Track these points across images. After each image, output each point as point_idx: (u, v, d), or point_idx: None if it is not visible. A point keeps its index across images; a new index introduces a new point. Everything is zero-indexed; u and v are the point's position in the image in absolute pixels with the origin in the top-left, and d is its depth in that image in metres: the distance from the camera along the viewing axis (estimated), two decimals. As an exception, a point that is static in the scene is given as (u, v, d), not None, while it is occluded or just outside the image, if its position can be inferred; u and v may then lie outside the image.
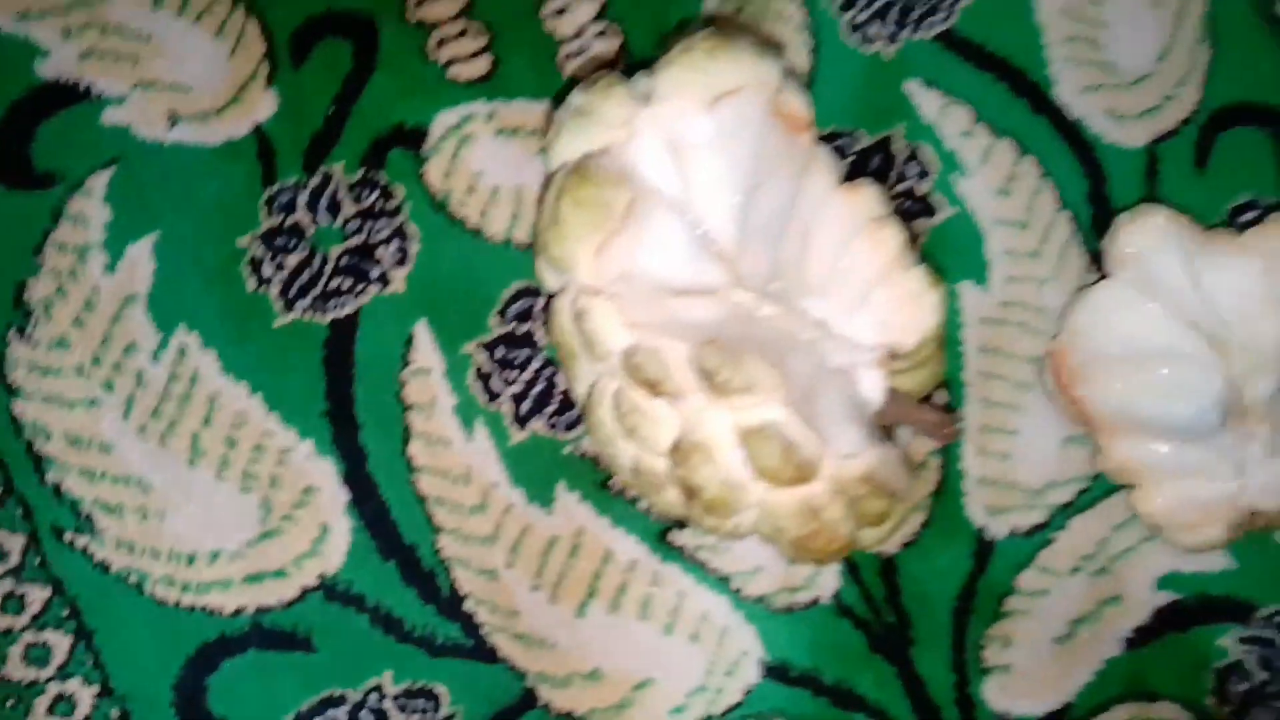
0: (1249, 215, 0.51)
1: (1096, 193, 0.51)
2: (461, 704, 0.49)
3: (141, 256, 0.48)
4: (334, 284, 0.49)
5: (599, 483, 0.49)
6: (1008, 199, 0.51)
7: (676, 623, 0.49)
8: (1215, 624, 0.51)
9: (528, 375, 0.49)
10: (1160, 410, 0.46)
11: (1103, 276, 0.49)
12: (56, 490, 0.48)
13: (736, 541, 0.48)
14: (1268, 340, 0.46)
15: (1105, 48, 0.52)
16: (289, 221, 0.49)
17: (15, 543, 0.48)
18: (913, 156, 0.51)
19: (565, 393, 0.49)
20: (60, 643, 0.48)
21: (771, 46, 0.48)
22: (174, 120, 0.49)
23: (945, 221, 0.51)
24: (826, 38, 0.51)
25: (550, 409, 0.49)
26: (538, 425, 0.49)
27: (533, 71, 0.50)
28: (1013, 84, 0.51)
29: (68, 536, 0.48)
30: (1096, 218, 0.51)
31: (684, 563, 0.49)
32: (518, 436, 0.49)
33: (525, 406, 0.49)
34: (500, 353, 0.49)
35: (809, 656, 0.50)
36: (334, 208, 0.49)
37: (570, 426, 0.49)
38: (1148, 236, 0.47)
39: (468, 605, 0.49)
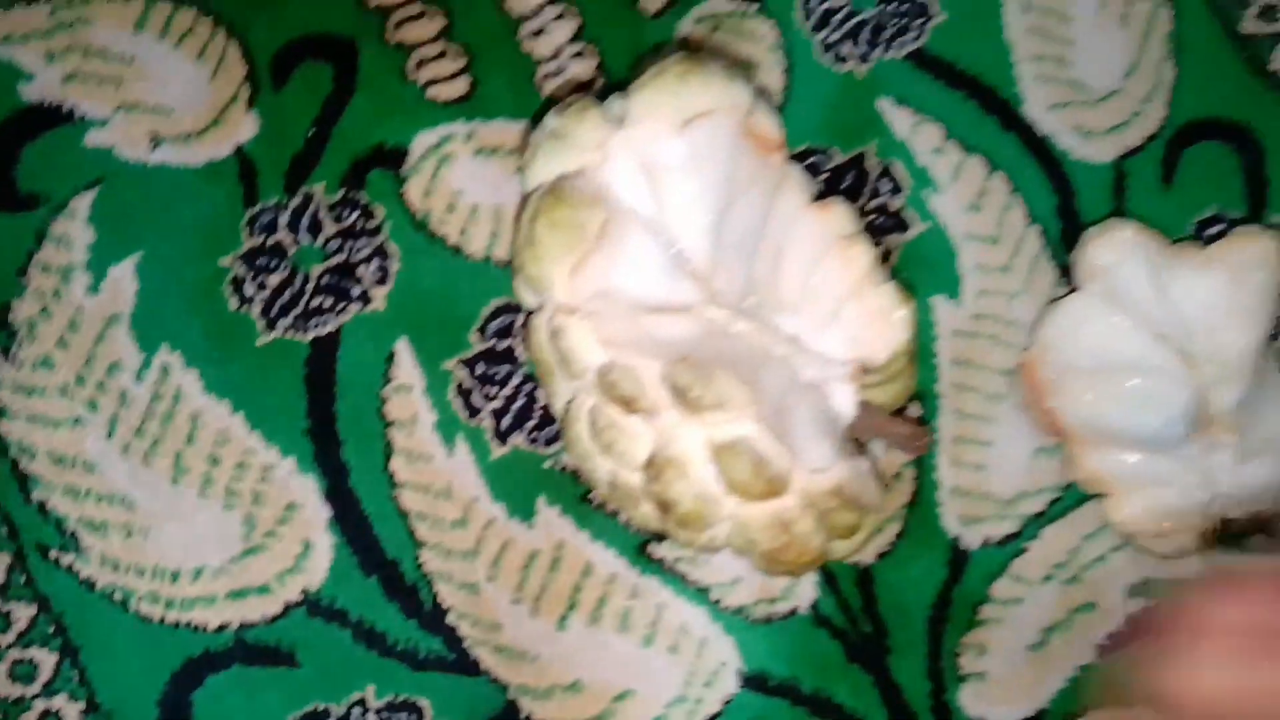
0: (1216, 229, 0.52)
1: (1065, 207, 0.52)
2: (444, 717, 0.49)
3: (124, 277, 0.49)
4: (315, 303, 0.49)
5: (579, 497, 0.49)
6: (979, 214, 0.52)
7: (656, 634, 0.49)
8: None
9: (508, 391, 0.50)
10: (1130, 421, 0.47)
11: (1072, 290, 0.49)
12: (42, 509, 0.48)
13: (713, 554, 0.48)
14: (1234, 351, 0.47)
15: (1073, 65, 0.53)
16: (270, 241, 0.49)
17: (1, 561, 0.48)
18: (885, 173, 0.52)
19: (545, 408, 0.50)
20: (46, 660, 0.48)
21: (743, 69, 0.49)
22: (156, 142, 0.49)
23: (918, 237, 0.52)
24: (800, 57, 0.52)
25: (530, 424, 0.50)
26: (518, 440, 0.50)
27: (511, 92, 0.51)
28: (982, 102, 0.52)
29: (53, 554, 0.48)
30: (1066, 232, 0.52)
31: (663, 575, 0.49)
32: (498, 451, 0.50)
33: (506, 422, 0.50)
34: (481, 369, 0.50)
35: (787, 666, 0.50)
36: (315, 227, 0.49)
37: (550, 441, 0.50)
38: (1115, 250, 0.48)
39: (450, 619, 0.49)
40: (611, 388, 0.40)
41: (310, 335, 0.49)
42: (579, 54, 0.51)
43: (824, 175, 0.51)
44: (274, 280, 0.49)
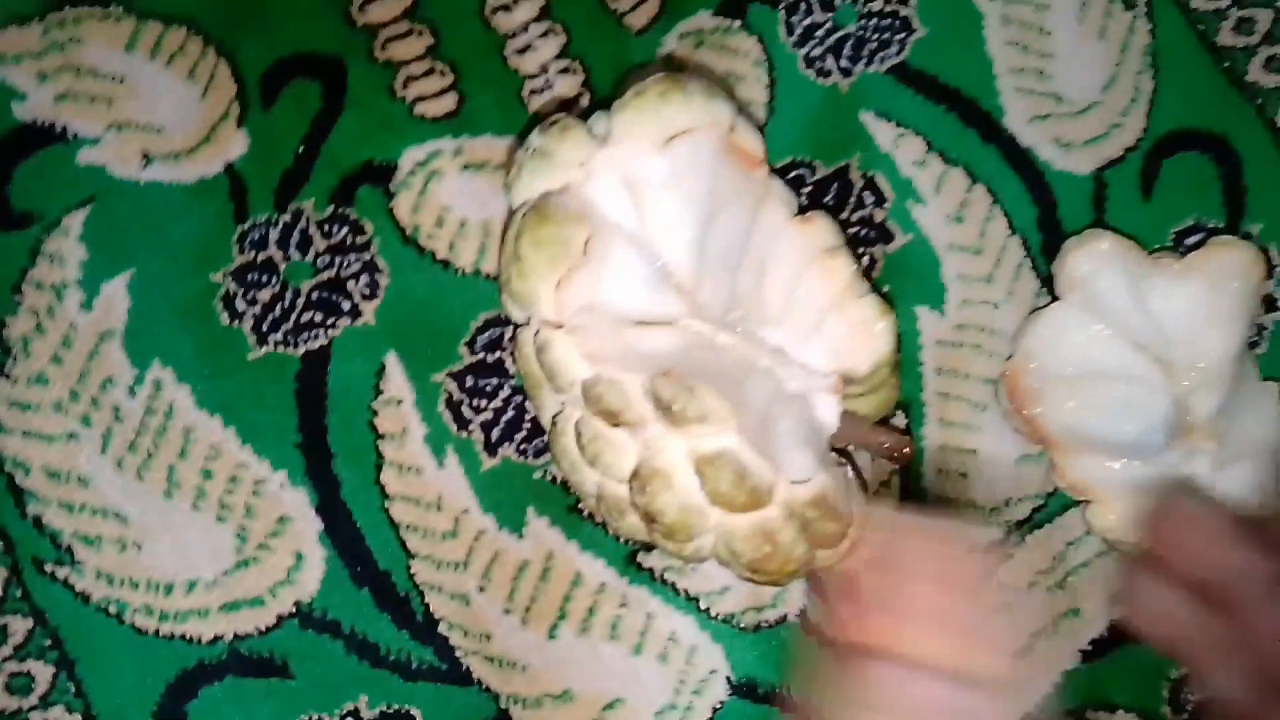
0: (1195, 238, 0.52)
1: (1047, 218, 0.53)
2: (436, 726, 0.49)
3: (117, 294, 0.49)
4: (306, 317, 0.50)
5: (568, 508, 0.50)
6: (961, 225, 0.52)
7: (645, 643, 0.50)
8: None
9: (497, 403, 0.50)
10: (1111, 428, 0.47)
11: (1054, 299, 0.50)
12: (37, 523, 0.48)
13: (700, 564, 0.49)
14: (1212, 359, 0.47)
15: (1053, 78, 0.53)
16: (261, 257, 0.50)
17: None
18: (869, 185, 0.52)
19: (534, 420, 0.50)
20: (43, 672, 0.48)
21: (724, 87, 0.50)
22: (148, 160, 0.49)
23: (902, 248, 0.52)
24: (784, 72, 0.52)
25: (520, 436, 0.50)
26: (508, 451, 0.50)
27: (498, 108, 0.51)
28: (964, 114, 0.53)
29: (48, 568, 0.48)
30: (1047, 242, 0.52)
31: (652, 584, 0.50)
32: (488, 463, 0.50)
33: (495, 433, 0.50)
34: (470, 381, 0.50)
35: (776, 673, 0.50)
36: (305, 243, 0.50)
37: (539, 453, 0.50)
38: (1094, 261, 0.48)
39: (441, 629, 0.49)
40: (597, 401, 0.41)
41: (301, 350, 0.50)
42: (565, 70, 0.51)
43: (808, 188, 0.52)
44: (265, 296, 0.49)
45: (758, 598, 0.50)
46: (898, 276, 0.52)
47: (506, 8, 0.51)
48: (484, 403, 0.50)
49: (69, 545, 0.48)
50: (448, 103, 0.51)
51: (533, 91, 0.51)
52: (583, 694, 0.49)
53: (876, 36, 0.53)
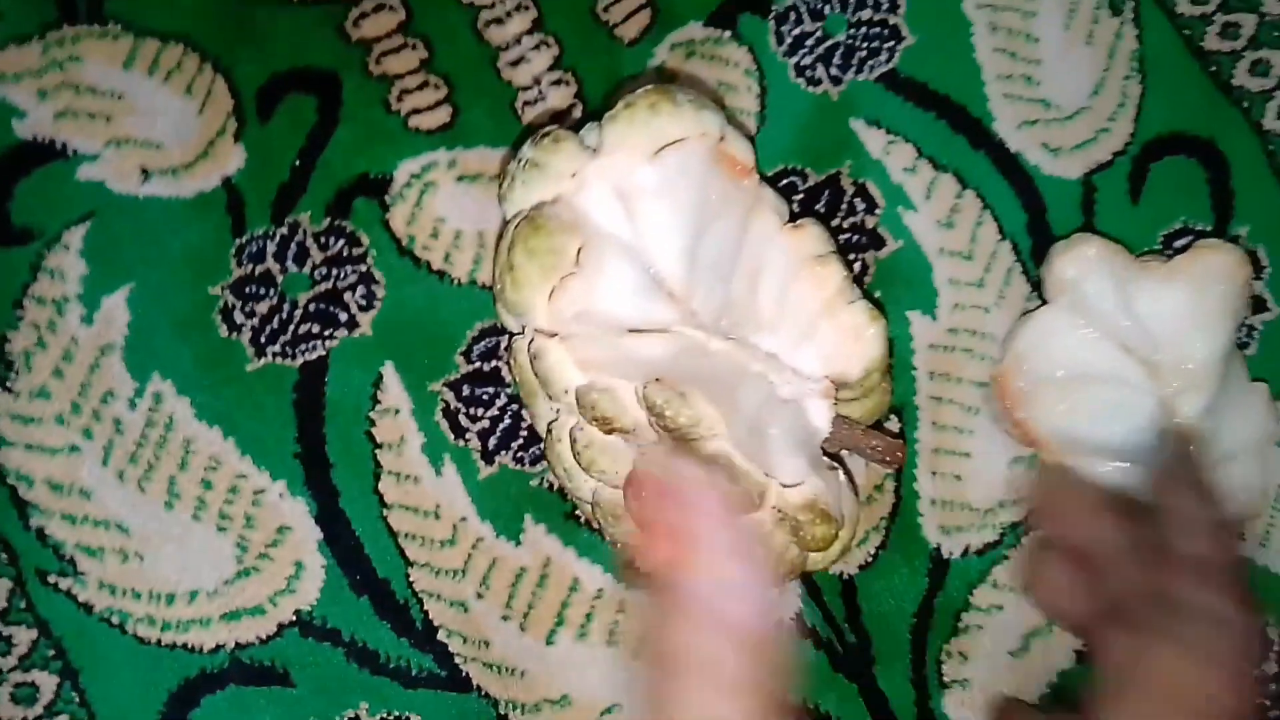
0: (1183, 240, 0.53)
1: (1036, 223, 0.53)
2: (436, 733, 0.50)
3: (117, 308, 0.49)
4: (303, 329, 0.50)
5: (565, 514, 0.50)
6: (951, 231, 0.53)
7: (643, 648, 0.50)
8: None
9: (493, 411, 0.51)
10: (1099, 430, 0.48)
11: (1044, 303, 0.50)
12: (40, 535, 0.48)
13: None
14: (1198, 361, 0.47)
15: (1041, 84, 0.54)
16: (259, 270, 0.50)
17: (1, 587, 0.48)
18: (860, 192, 0.53)
19: (530, 427, 0.50)
20: (47, 682, 0.48)
21: (715, 97, 0.50)
22: (146, 175, 0.50)
23: (893, 253, 0.52)
24: (774, 81, 0.53)
25: (516, 444, 0.50)
26: (505, 459, 0.50)
27: (491, 120, 0.51)
28: (953, 121, 0.53)
29: (51, 579, 0.48)
30: (1037, 247, 0.53)
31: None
32: (486, 471, 0.50)
33: (492, 442, 0.50)
34: (466, 390, 0.50)
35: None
36: (302, 256, 0.50)
37: (536, 460, 0.50)
38: (1080, 264, 0.48)
39: (440, 636, 0.50)
40: (591, 408, 0.41)
41: (299, 361, 0.50)
42: (557, 82, 0.52)
43: (800, 195, 0.52)
44: (263, 308, 0.50)
45: (754, 602, 0.51)
46: (889, 282, 0.52)
47: (499, 21, 0.52)
48: (480, 411, 0.50)
49: (72, 556, 0.49)
50: (442, 115, 0.51)
51: (526, 103, 0.52)
52: (581, 699, 0.50)
53: (866, 45, 0.53)
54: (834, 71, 0.53)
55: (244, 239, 0.50)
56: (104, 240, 0.49)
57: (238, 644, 0.49)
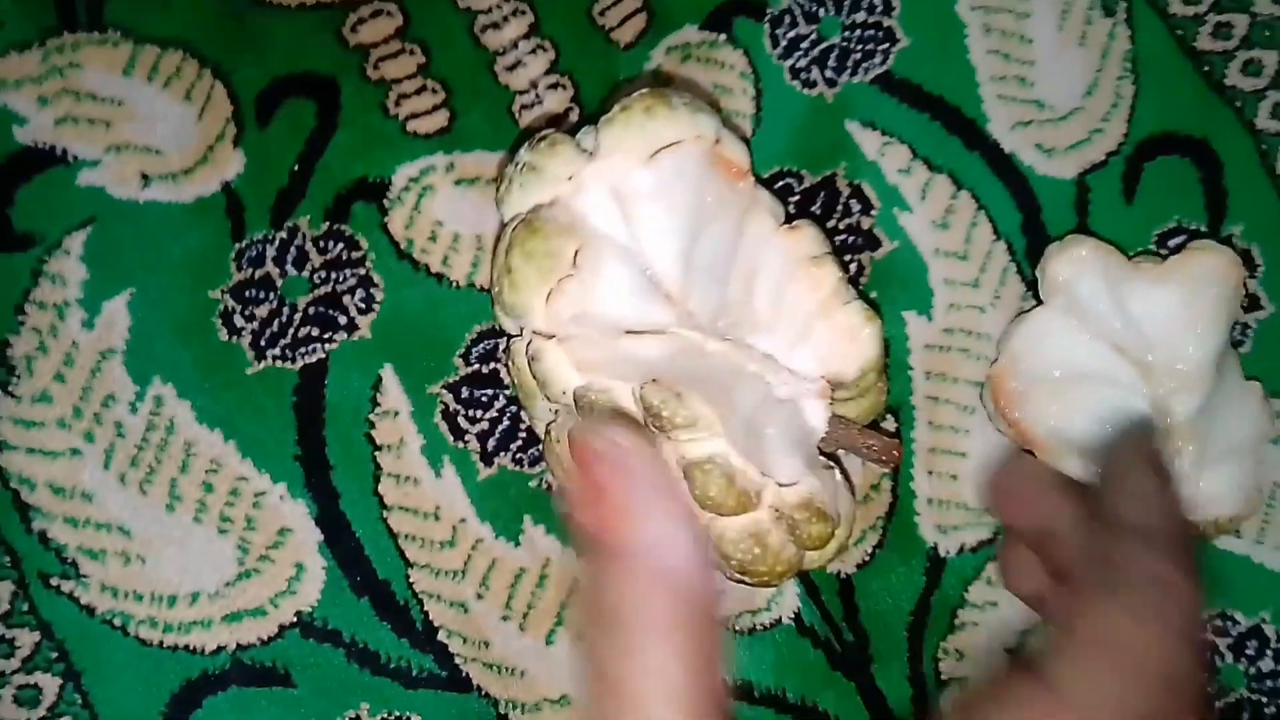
0: (1177, 240, 0.53)
1: (1031, 223, 0.53)
2: (437, 732, 0.50)
3: (118, 312, 0.49)
4: (303, 332, 0.50)
5: (564, 515, 0.51)
6: (946, 231, 0.53)
7: (641, 647, 0.50)
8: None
9: (492, 413, 0.51)
10: (1093, 430, 0.48)
11: (1039, 303, 0.50)
12: (42, 538, 0.49)
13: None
14: (1191, 361, 0.48)
15: (1034, 85, 0.54)
16: (258, 274, 0.50)
17: (4, 590, 0.49)
18: (856, 193, 0.53)
19: (529, 429, 0.51)
20: (50, 684, 0.49)
21: (710, 100, 0.50)
22: (146, 180, 0.50)
23: (889, 254, 0.53)
24: (769, 84, 0.53)
25: (515, 445, 0.51)
26: (504, 461, 0.51)
27: (488, 124, 0.52)
28: (947, 122, 0.53)
29: (54, 582, 0.49)
30: (1032, 247, 0.53)
31: (647, 589, 0.50)
32: (485, 473, 0.51)
33: (491, 443, 0.51)
34: (465, 392, 0.51)
35: (772, 676, 0.51)
36: (301, 260, 0.50)
37: (535, 462, 0.51)
38: (1074, 266, 0.48)
39: (440, 637, 0.50)
40: (589, 409, 0.41)
41: (299, 364, 0.50)
42: (554, 86, 0.52)
43: (796, 197, 0.53)
44: (262, 311, 0.50)
45: (751, 601, 0.51)
46: (885, 282, 0.53)
47: (496, 25, 0.52)
48: (479, 413, 0.51)
49: (74, 559, 0.49)
50: (439, 119, 0.52)
51: (523, 107, 0.52)
52: (580, 699, 0.50)
53: (860, 47, 0.54)
54: (829, 74, 0.53)
55: (244, 243, 0.50)
56: (105, 245, 0.50)
57: (239, 645, 0.49)
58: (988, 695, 0.37)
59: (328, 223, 0.51)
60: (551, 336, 0.42)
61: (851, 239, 0.53)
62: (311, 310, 0.50)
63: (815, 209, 0.53)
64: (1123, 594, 0.39)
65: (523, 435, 0.51)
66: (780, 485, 0.42)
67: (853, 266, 0.53)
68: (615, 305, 0.42)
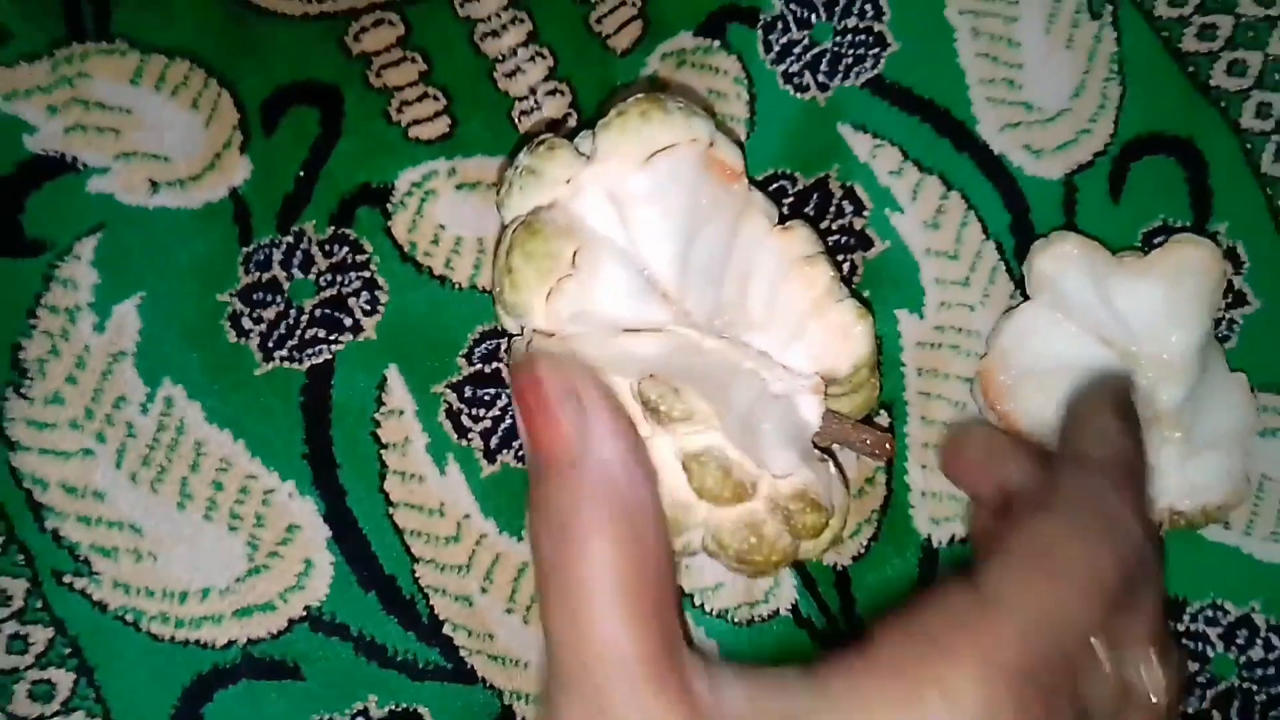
0: (1163, 238, 0.53)
1: (1019, 223, 0.54)
2: (443, 723, 0.51)
3: (128, 316, 0.50)
4: (310, 334, 0.51)
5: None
6: (937, 231, 0.54)
7: (642, 639, 0.51)
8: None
9: (495, 412, 0.52)
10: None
11: (1026, 300, 0.51)
12: (55, 536, 0.49)
13: (689, 559, 0.50)
14: (1175, 352, 0.49)
15: (1023, 88, 0.55)
16: (265, 278, 0.51)
17: (18, 587, 0.49)
18: (848, 195, 0.54)
19: (531, 427, 0.51)
20: (63, 680, 0.49)
21: (704, 105, 0.51)
22: (155, 187, 0.51)
23: (881, 254, 0.54)
24: (763, 88, 0.54)
25: (518, 443, 0.52)
26: (506, 458, 0.52)
27: (488, 130, 0.52)
28: (937, 124, 0.54)
29: (67, 579, 0.49)
30: (1020, 246, 0.54)
31: (647, 583, 0.51)
32: (488, 470, 0.52)
33: (494, 441, 0.52)
34: (469, 392, 0.52)
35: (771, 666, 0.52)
36: (307, 263, 0.51)
37: (536, 459, 0.52)
38: (1059, 261, 0.50)
39: (446, 630, 0.51)
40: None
41: (306, 365, 0.51)
42: (552, 92, 0.53)
43: (790, 199, 0.54)
44: (270, 314, 0.51)
45: (751, 593, 0.52)
46: (877, 282, 0.54)
47: (495, 33, 0.53)
48: (482, 412, 0.52)
49: (86, 557, 0.50)
50: (441, 126, 0.52)
51: (522, 113, 0.53)
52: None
53: (852, 52, 0.54)
54: (821, 78, 0.54)
55: (251, 248, 0.51)
56: (114, 250, 0.50)
57: (249, 639, 0.50)
58: (921, 601, 0.37)
59: (333, 227, 0.51)
60: (551, 335, 0.43)
61: (844, 239, 0.54)
62: (318, 312, 0.51)
63: (809, 210, 0.54)
64: (1063, 509, 0.39)
65: (524, 433, 0.51)
66: (775, 477, 0.43)
67: (846, 266, 0.54)
68: (613, 305, 0.43)
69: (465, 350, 0.52)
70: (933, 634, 0.35)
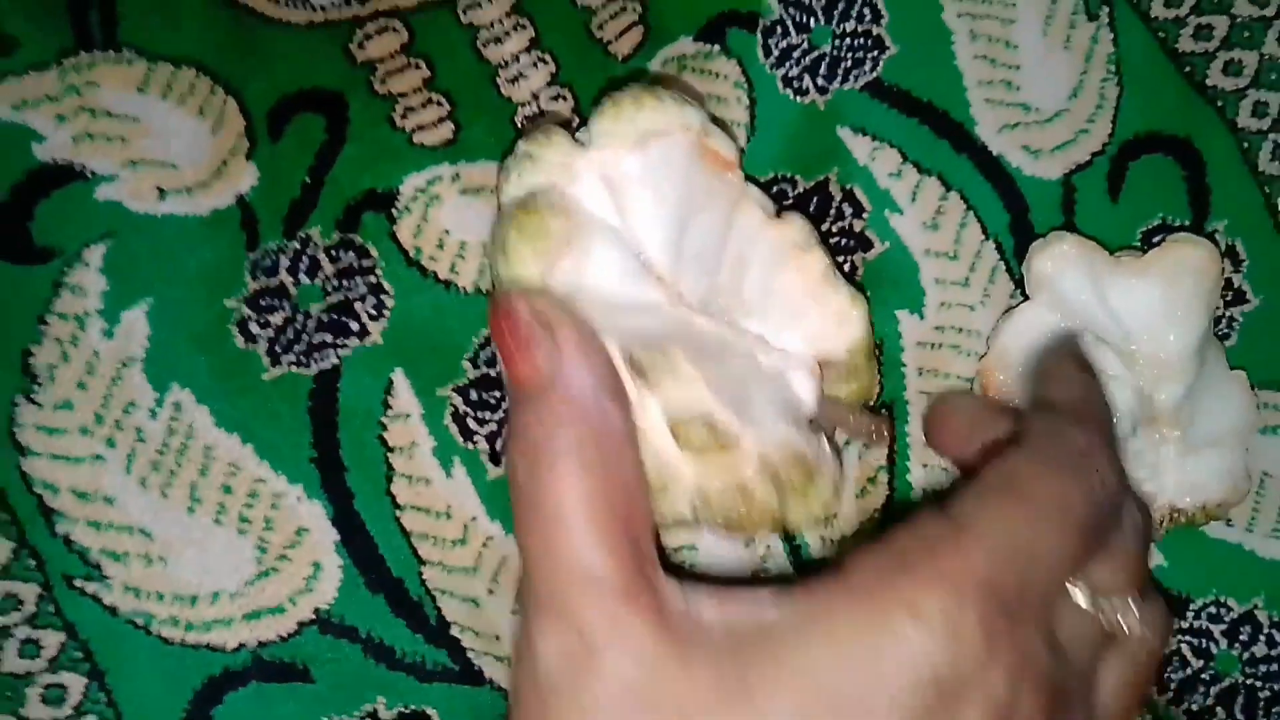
0: (1162, 237, 0.54)
1: (1019, 223, 0.55)
2: (451, 725, 0.51)
3: (137, 322, 0.50)
4: (317, 339, 0.51)
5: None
6: (937, 232, 0.54)
7: (648, 639, 0.51)
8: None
9: (500, 414, 0.52)
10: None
11: (1025, 299, 0.52)
12: (66, 541, 0.50)
13: (682, 529, 0.50)
14: (1173, 351, 0.49)
15: (1020, 89, 0.55)
16: (273, 283, 0.51)
17: (30, 592, 0.50)
18: (848, 197, 0.54)
19: (536, 430, 0.52)
20: (75, 684, 0.50)
21: (696, 96, 0.52)
22: (163, 194, 0.51)
23: (881, 255, 0.54)
24: (763, 92, 0.54)
25: (522, 445, 0.52)
26: (512, 461, 0.52)
27: (492, 136, 0.53)
28: (936, 126, 0.55)
29: (78, 583, 0.50)
30: (1020, 246, 0.54)
31: (652, 583, 0.52)
32: (494, 472, 0.52)
33: (499, 444, 0.52)
34: (474, 395, 0.52)
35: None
36: (314, 269, 0.52)
37: (541, 461, 0.52)
38: (1056, 261, 0.50)
39: (453, 632, 0.51)
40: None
41: (313, 369, 0.51)
42: (555, 98, 0.53)
43: (790, 202, 0.54)
44: (277, 319, 0.51)
45: (755, 593, 0.52)
46: (878, 283, 0.54)
47: (498, 40, 0.53)
48: (488, 415, 0.52)
49: (97, 561, 0.50)
50: (445, 132, 0.53)
51: (525, 118, 0.53)
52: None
53: (851, 55, 0.55)
54: (820, 82, 0.55)
55: (258, 254, 0.51)
56: (123, 257, 0.51)
57: (259, 642, 0.50)
58: (895, 527, 0.38)
59: (339, 232, 0.52)
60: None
61: (844, 241, 0.54)
62: (324, 317, 0.51)
63: (809, 213, 0.54)
64: (1034, 444, 0.40)
65: (530, 435, 0.52)
66: (768, 442, 0.43)
67: (846, 268, 0.54)
68: (607, 285, 0.43)
69: (470, 354, 0.52)
70: (903, 557, 0.37)
